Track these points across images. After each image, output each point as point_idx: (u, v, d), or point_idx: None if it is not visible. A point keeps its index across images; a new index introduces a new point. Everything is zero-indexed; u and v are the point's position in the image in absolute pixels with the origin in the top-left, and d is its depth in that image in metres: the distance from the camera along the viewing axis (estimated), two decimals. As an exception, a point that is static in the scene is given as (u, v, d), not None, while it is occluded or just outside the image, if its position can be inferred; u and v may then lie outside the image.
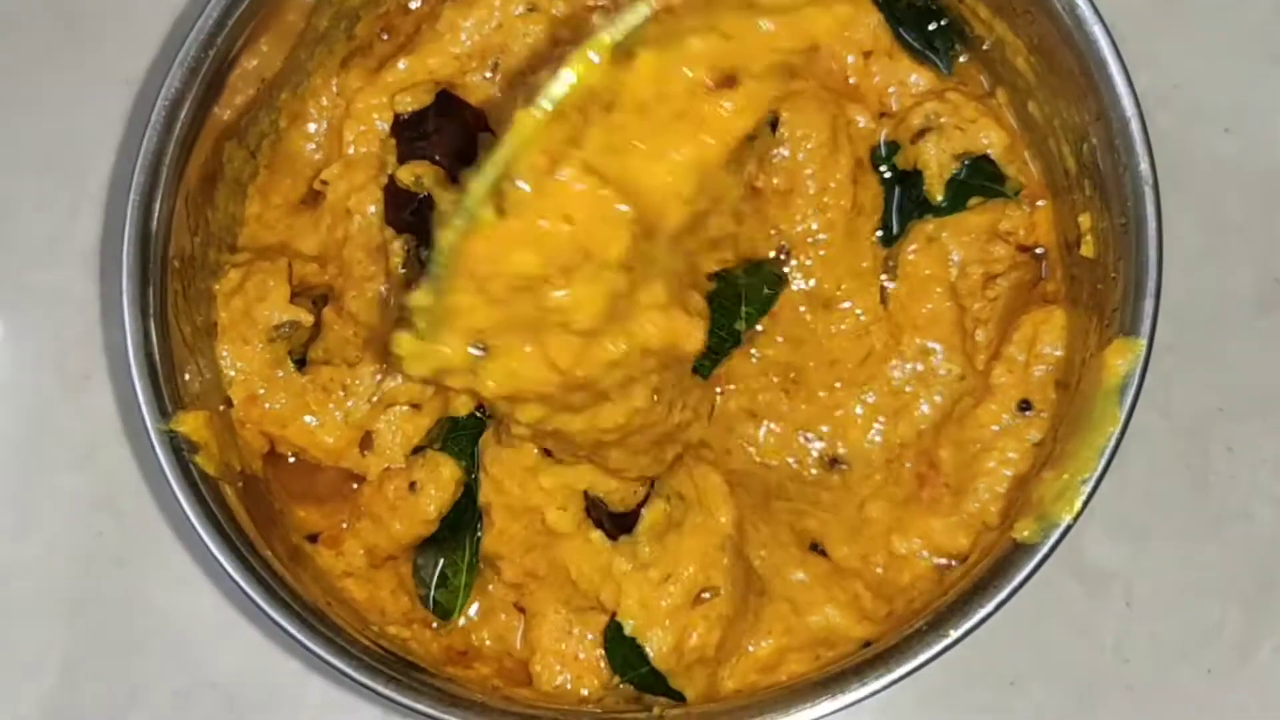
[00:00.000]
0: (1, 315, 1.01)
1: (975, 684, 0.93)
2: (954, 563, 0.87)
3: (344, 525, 0.89)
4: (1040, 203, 0.90)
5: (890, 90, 0.90)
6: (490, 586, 0.88)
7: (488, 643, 0.88)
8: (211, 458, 0.82)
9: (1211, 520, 0.96)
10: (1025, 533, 0.79)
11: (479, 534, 0.87)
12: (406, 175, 0.88)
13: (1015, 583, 0.77)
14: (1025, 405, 0.87)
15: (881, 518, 0.89)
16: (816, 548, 0.89)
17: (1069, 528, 0.77)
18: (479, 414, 0.87)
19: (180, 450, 0.81)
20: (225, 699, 0.96)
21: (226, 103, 0.87)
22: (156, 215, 0.83)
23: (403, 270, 0.87)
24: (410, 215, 0.88)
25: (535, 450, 0.84)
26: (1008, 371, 0.88)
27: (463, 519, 0.88)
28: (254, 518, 0.83)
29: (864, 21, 0.90)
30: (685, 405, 0.82)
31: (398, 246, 0.88)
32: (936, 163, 0.89)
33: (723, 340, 0.89)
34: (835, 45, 0.89)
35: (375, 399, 0.87)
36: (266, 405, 0.88)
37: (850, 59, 0.91)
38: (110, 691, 0.96)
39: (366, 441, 0.88)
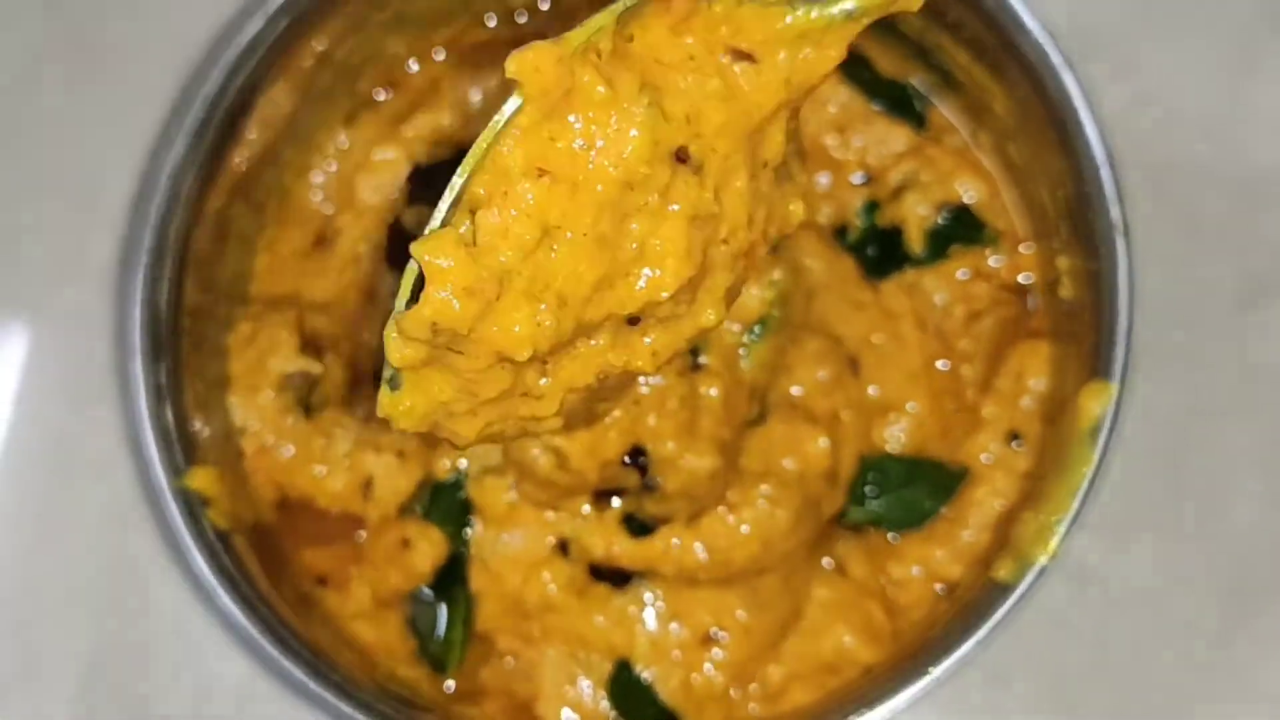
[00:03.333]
0: (23, 335, 1.00)
1: (957, 678, 0.91)
2: (944, 589, 0.89)
3: (351, 569, 0.90)
4: (1023, 246, 0.91)
5: (871, 151, 0.92)
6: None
7: (492, 683, 0.89)
8: (222, 511, 0.83)
9: (1190, 516, 0.96)
10: (1003, 573, 0.81)
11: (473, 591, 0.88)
12: (411, 217, 0.90)
13: (993, 623, 0.78)
14: (1014, 436, 0.88)
15: (881, 542, 0.90)
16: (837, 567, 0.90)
17: (1044, 568, 0.79)
18: (460, 477, 0.88)
19: (193, 506, 0.82)
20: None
21: (231, 164, 0.88)
22: (166, 288, 0.84)
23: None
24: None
25: (549, 544, 0.85)
26: (996, 403, 0.89)
27: (457, 573, 0.89)
28: (264, 565, 0.85)
29: (830, 99, 0.91)
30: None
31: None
32: (915, 217, 0.90)
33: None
34: (809, 125, 0.90)
35: (362, 439, 0.88)
36: (275, 454, 0.89)
37: (830, 139, 0.92)
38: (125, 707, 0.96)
39: (368, 486, 0.89)
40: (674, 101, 0.57)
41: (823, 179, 0.93)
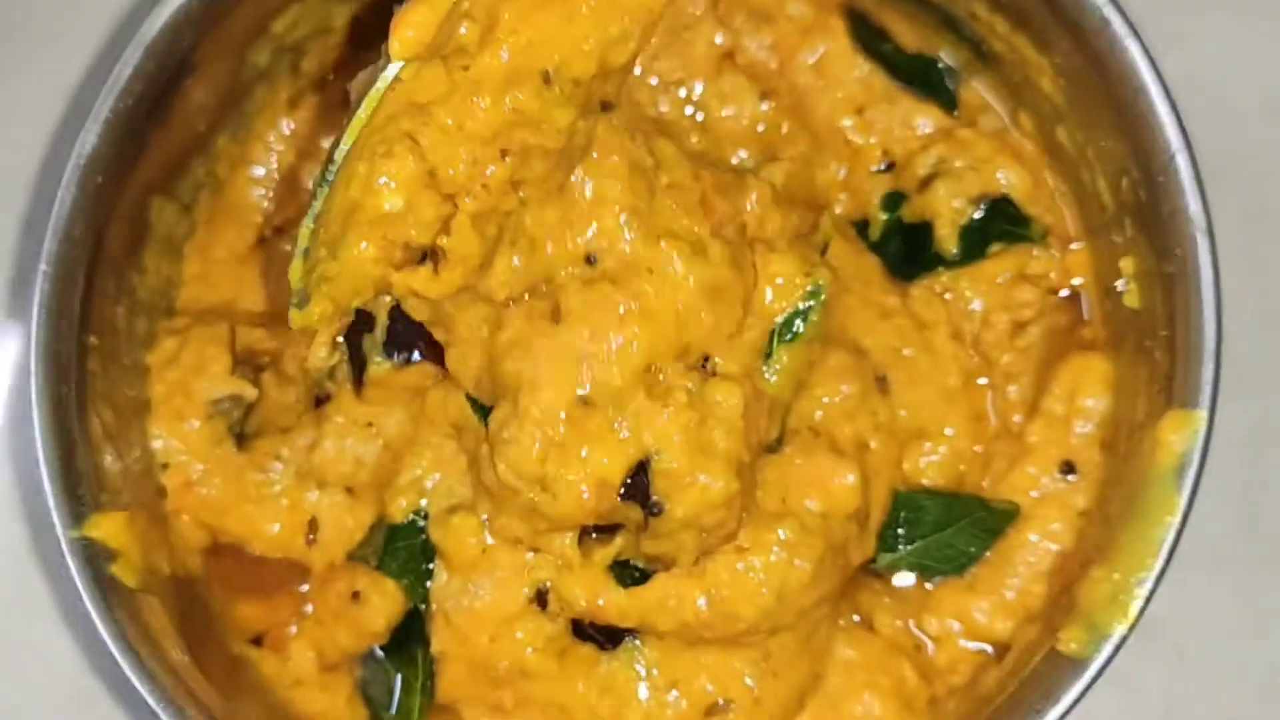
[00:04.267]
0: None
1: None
2: (993, 651, 0.82)
3: (292, 627, 0.84)
4: (1074, 245, 0.85)
5: (895, 136, 0.86)
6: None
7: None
8: (132, 565, 0.76)
9: (1267, 552, 0.90)
10: (1073, 645, 0.73)
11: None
12: None
13: (1062, 707, 0.69)
14: (1068, 468, 0.82)
15: (914, 591, 0.84)
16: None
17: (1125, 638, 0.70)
18: (418, 518, 0.82)
19: (96, 560, 0.75)
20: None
21: (153, 155, 0.82)
22: (73, 298, 0.78)
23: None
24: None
25: (525, 595, 0.79)
26: (1046, 428, 0.83)
27: (415, 631, 0.82)
28: (187, 625, 0.79)
29: (847, 76, 0.86)
30: None
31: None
32: (948, 211, 0.84)
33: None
34: (822, 106, 0.86)
35: (303, 471, 0.83)
36: (203, 491, 0.83)
37: (847, 121, 0.86)
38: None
39: (312, 528, 0.83)
40: None
41: (839, 171, 0.88)
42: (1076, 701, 0.69)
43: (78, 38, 0.95)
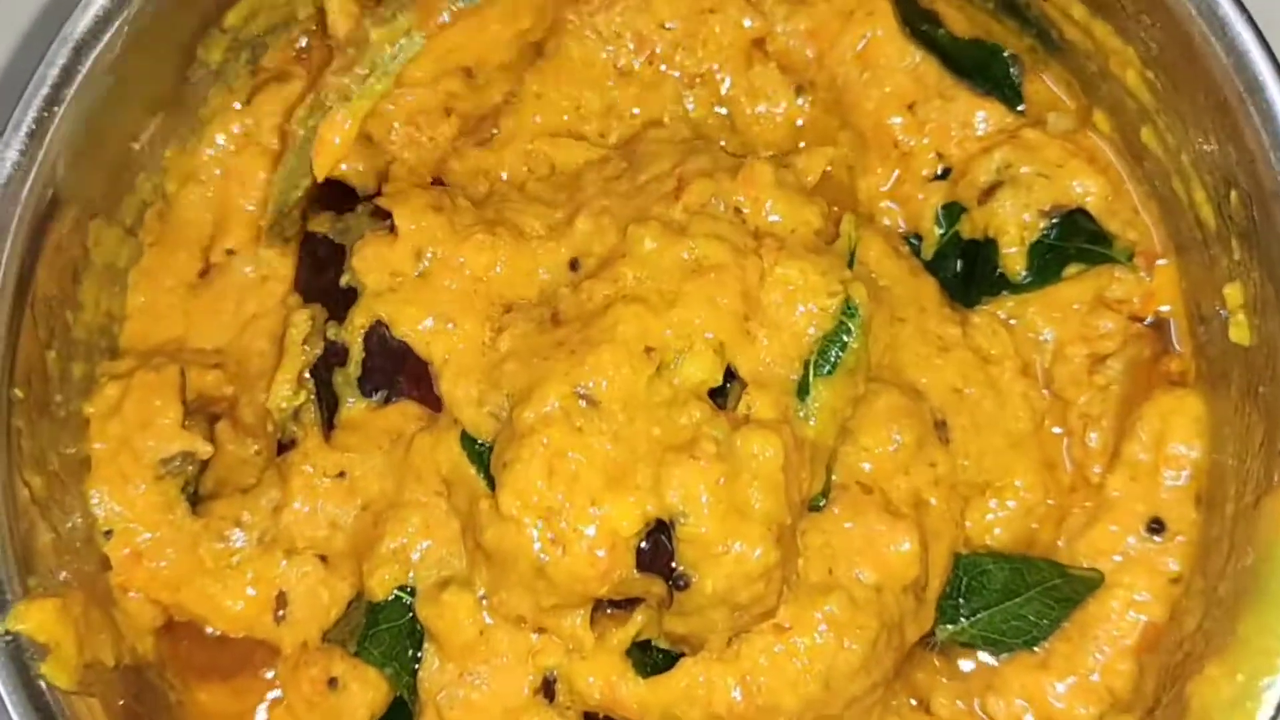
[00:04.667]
0: None
1: None
2: None
3: (258, 716, 0.77)
4: (1161, 261, 0.78)
5: (951, 137, 0.80)
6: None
7: None
8: (66, 662, 0.69)
9: None
10: None
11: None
12: (323, 226, 0.79)
13: None
14: (1156, 526, 0.75)
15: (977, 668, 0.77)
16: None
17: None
18: (404, 595, 0.74)
19: (22, 658, 0.67)
20: None
21: (88, 171, 0.76)
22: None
23: (304, 348, 0.77)
24: (328, 280, 0.78)
25: (529, 684, 0.71)
26: (1130, 479, 0.76)
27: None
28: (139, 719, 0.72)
29: (896, 65, 0.79)
30: None
31: (301, 319, 0.77)
32: (1015, 225, 0.77)
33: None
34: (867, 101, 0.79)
35: (269, 538, 0.76)
36: (154, 563, 0.76)
37: (897, 119, 0.79)
38: None
39: (281, 603, 0.75)
40: None
41: (887, 177, 0.81)
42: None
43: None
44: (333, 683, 0.74)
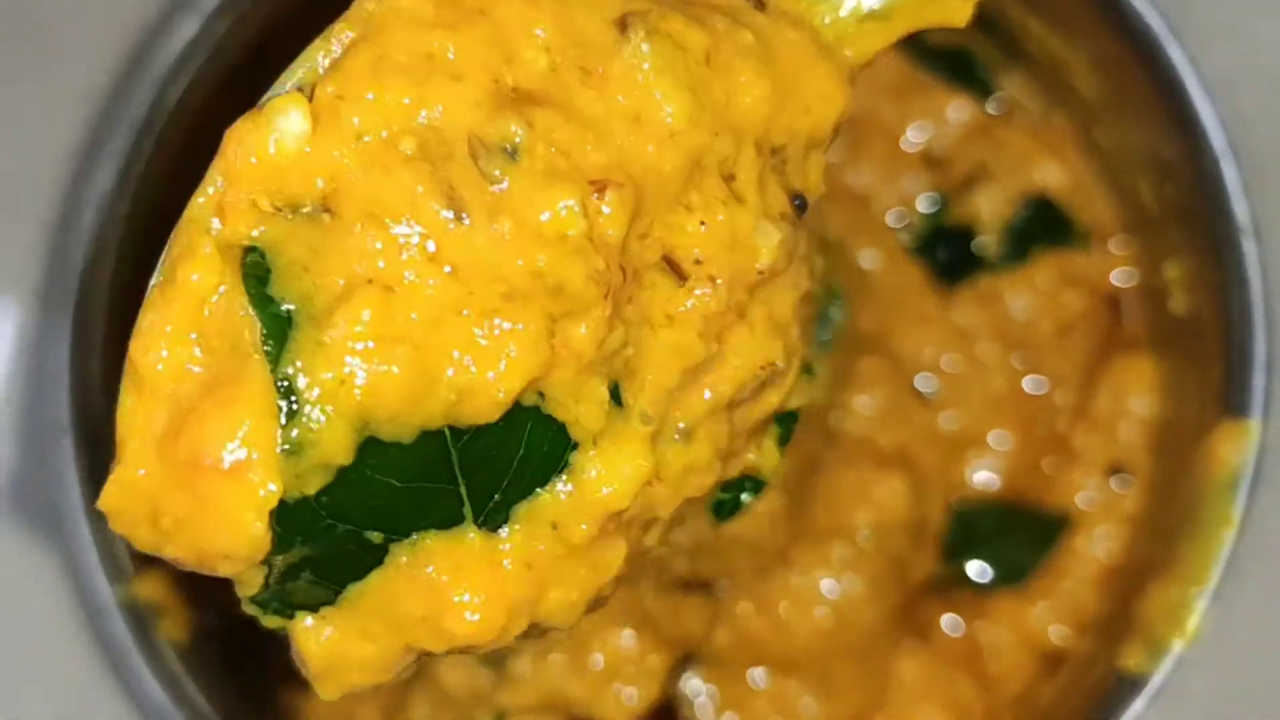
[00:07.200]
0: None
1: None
2: (1050, 660, 0.79)
3: None
4: (1112, 243, 0.82)
5: (931, 129, 0.83)
6: None
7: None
8: (179, 619, 0.71)
9: None
10: (1132, 661, 0.70)
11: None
12: None
13: None
14: (1116, 471, 0.79)
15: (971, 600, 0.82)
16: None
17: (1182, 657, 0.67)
18: None
19: (143, 619, 0.70)
20: None
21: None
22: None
23: None
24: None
25: None
26: (1092, 431, 0.80)
27: None
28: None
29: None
30: None
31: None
32: (989, 213, 0.81)
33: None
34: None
35: None
36: None
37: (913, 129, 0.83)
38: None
39: None
40: None
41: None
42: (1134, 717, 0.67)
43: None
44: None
